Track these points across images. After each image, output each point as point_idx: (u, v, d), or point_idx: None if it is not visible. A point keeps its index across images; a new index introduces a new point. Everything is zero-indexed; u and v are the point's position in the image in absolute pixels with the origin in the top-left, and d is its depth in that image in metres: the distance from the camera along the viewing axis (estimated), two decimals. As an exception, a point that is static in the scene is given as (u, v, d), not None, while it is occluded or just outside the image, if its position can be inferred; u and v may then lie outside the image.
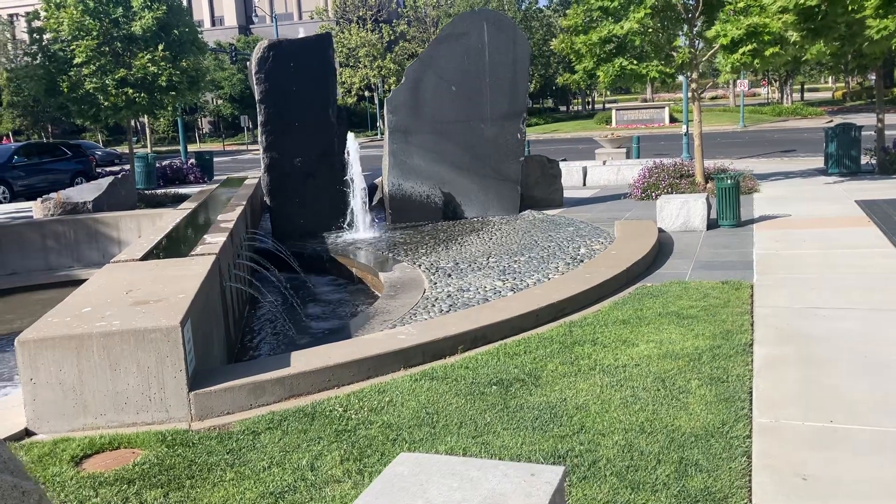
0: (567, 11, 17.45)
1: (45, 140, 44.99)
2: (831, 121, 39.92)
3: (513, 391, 5.51)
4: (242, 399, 5.47)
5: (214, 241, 8.15)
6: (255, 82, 13.22)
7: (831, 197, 14.03)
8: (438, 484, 2.81)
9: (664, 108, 47.46)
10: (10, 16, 64.66)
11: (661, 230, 11.43)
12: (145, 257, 7.72)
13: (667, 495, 3.96)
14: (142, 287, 6.32)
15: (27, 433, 5.17)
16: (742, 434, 4.63)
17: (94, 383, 5.21)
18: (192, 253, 7.60)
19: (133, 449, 4.88)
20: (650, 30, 14.84)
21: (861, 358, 5.81)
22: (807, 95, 71.09)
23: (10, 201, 23.87)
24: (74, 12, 19.40)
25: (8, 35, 51.14)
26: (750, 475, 4.16)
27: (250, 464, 4.59)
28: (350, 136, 13.43)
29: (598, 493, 4.01)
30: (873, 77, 20.79)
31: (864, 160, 17.82)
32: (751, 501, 3.92)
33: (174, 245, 8.66)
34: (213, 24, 70.48)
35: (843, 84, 68.86)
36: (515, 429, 4.87)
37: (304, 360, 5.91)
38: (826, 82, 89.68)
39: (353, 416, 5.18)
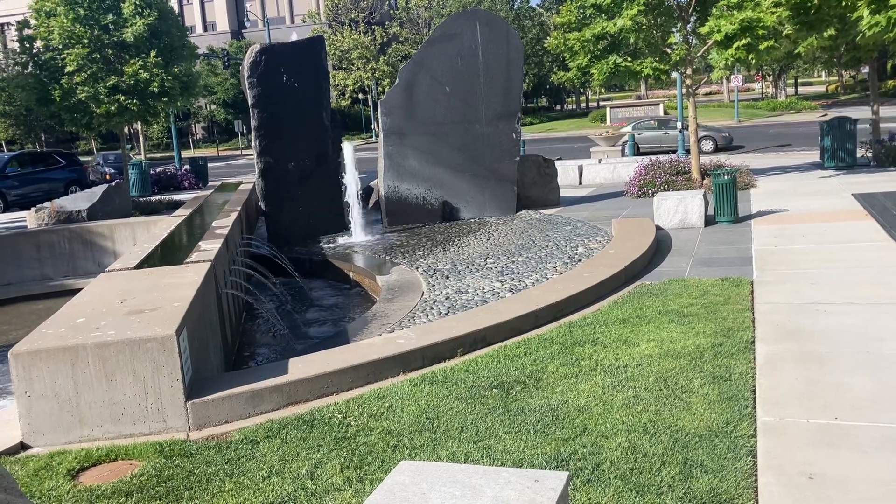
0: (560, 8, 17.41)
1: (38, 149, 44.76)
2: (825, 114, 39.93)
3: (514, 394, 5.46)
4: (240, 407, 5.40)
5: (209, 247, 8.08)
6: (247, 87, 13.15)
7: (828, 191, 14.00)
8: (440, 492, 2.76)
9: (659, 105, 47.52)
10: (1, 25, 64.50)
11: (658, 227, 11.39)
12: (140, 265, 7.65)
13: (672, 497, 3.91)
14: (137, 296, 6.26)
15: (23, 447, 5.10)
16: (746, 433, 4.58)
17: (89, 395, 5.14)
18: (188, 260, 7.53)
19: (130, 460, 4.81)
20: (644, 27, 14.80)
21: (863, 353, 5.76)
22: (801, 90, 71.24)
23: (3, 211, 23.75)
24: (65, 20, 19.27)
25: (-1, 44, 50.99)
26: (756, 475, 4.11)
27: (249, 473, 4.52)
28: (346, 144, 13.38)
29: (602, 497, 3.96)
30: (866, 70, 20.81)
31: (859, 153, 17.81)
32: (757, 502, 3.86)
33: (169, 252, 8.59)
34: (206, 29, 70.32)
35: (836, 78, 68.97)
36: (517, 432, 4.81)
37: (302, 366, 5.85)
38: (819, 76, 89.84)
39: (352, 423, 5.12)
